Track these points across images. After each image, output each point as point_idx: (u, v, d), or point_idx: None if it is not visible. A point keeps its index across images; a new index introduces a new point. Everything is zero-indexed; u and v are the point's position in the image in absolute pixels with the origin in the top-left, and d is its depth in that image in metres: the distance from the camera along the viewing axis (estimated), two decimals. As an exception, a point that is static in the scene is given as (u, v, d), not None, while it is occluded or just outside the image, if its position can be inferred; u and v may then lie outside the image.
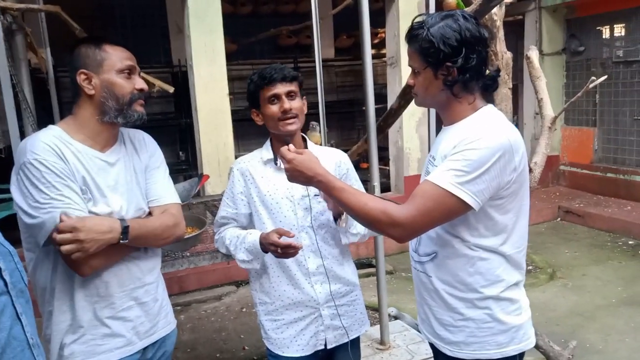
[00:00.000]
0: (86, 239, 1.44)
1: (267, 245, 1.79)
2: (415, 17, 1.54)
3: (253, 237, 1.85)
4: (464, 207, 1.40)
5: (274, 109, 1.86)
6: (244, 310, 4.46)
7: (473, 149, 1.39)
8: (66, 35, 3.39)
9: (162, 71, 6.49)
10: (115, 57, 1.61)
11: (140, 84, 1.65)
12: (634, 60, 6.62)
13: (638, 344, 3.54)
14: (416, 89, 1.56)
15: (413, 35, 1.49)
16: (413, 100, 1.66)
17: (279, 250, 1.75)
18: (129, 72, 1.63)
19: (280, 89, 1.85)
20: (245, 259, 1.89)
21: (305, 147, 1.97)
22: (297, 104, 1.88)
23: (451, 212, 1.42)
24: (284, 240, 1.75)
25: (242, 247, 1.88)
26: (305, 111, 1.95)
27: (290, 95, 1.87)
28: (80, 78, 1.59)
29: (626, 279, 4.70)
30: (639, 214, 6.12)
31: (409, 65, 1.56)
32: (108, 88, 1.59)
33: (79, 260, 1.47)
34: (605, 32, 7.12)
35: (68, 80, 1.66)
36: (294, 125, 1.88)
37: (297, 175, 1.55)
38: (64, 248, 1.44)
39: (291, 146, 1.60)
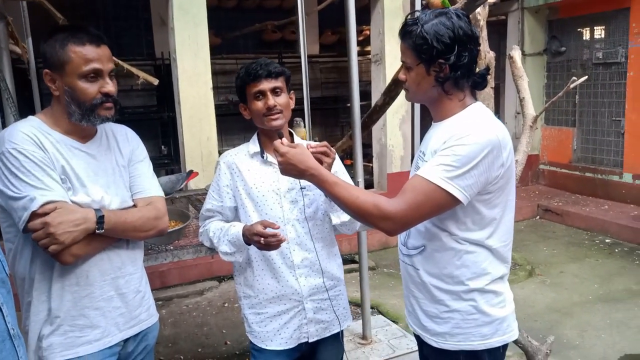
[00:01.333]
0: (58, 232, 1.44)
1: (250, 237, 1.79)
2: (409, 13, 1.55)
3: (236, 229, 1.85)
4: (453, 201, 1.43)
5: (259, 104, 1.87)
6: (226, 305, 4.45)
7: (462, 145, 1.41)
8: (48, 25, 3.34)
9: (144, 64, 6.41)
10: (79, 59, 1.51)
11: (107, 87, 1.56)
12: (613, 62, 6.75)
13: (613, 340, 3.63)
14: (408, 84, 1.58)
15: (407, 31, 1.51)
16: (400, 96, 1.68)
17: (262, 241, 1.75)
18: (94, 75, 1.54)
19: (265, 85, 1.86)
20: (227, 252, 1.89)
21: (292, 141, 1.98)
22: (282, 100, 1.89)
23: (440, 206, 1.45)
24: (269, 231, 1.75)
25: (225, 239, 1.88)
26: (292, 106, 1.96)
27: (275, 91, 1.88)
28: (46, 78, 1.56)
29: (603, 277, 4.80)
30: (615, 213, 6.25)
31: (402, 61, 1.58)
32: (69, 92, 1.53)
33: (58, 251, 1.46)
34: (586, 34, 7.24)
35: (47, 72, 1.60)
36: (278, 121, 1.89)
37: (290, 168, 1.57)
38: (40, 243, 1.45)
39: (284, 140, 1.61)
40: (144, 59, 6.75)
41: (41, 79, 1.68)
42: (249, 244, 1.84)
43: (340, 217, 1.94)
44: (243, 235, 1.82)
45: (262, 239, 1.75)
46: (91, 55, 1.53)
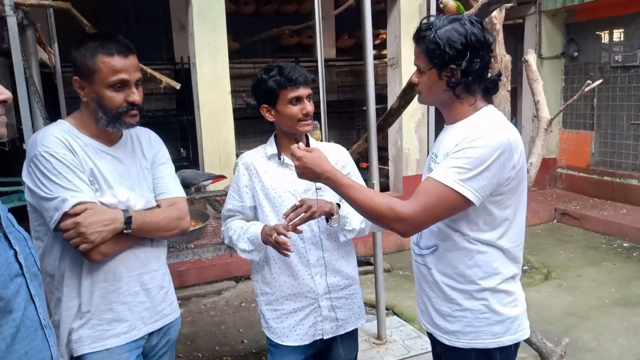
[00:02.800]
0: (89, 232, 1.52)
1: (265, 237, 1.86)
2: (424, 18, 1.60)
3: (256, 228, 1.92)
4: (466, 202, 1.47)
5: (295, 109, 1.92)
6: (243, 305, 4.51)
7: (474, 147, 1.45)
8: (74, 31, 3.44)
9: (164, 68, 6.54)
10: (107, 70, 1.57)
11: (133, 96, 1.62)
12: (631, 65, 6.69)
13: (630, 344, 3.61)
14: (420, 87, 1.62)
15: (420, 36, 1.55)
16: (415, 99, 1.72)
17: (273, 239, 1.82)
18: (121, 85, 1.60)
19: (303, 91, 1.92)
20: (246, 249, 1.95)
21: (307, 143, 2.04)
22: (312, 107, 1.97)
23: (453, 208, 1.49)
24: (281, 238, 1.81)
25: (245, 237, 1.95)
26: None
27: (308, 97, 1.95)
28: (75, 85, 1.64)
29: (620, 281, 4.76)
30: (634, 217, 6.19)
31: (415, 64, 1.62)
32: (97, 100, 1.60)
33: (88, 249, 1.54)
34: (604, 37, 7.19)
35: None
36: (310, 126, 1.97)
37: (306, 172, 1.62)
38: (71, 242, 1.53)
39: (301, 144, 1.66)
40: (164, 63, 6.88)
41: (67, 84, 1.76)
42: (266, 244, 1.90)
43: (346, 235, 2.00)
44: (261, 233, 1.88)
45: (274, 236, 1.81)
46: (119, 66, 1.59)
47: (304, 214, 1.82)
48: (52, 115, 3.55)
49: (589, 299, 4.40)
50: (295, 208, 1.84)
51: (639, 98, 6.65)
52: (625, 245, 5.75)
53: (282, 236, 1.81)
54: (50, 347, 1.20)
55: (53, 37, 3.53)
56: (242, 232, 1.96)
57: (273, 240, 1.83)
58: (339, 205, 1.94)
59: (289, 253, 1.84)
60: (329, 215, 1.92)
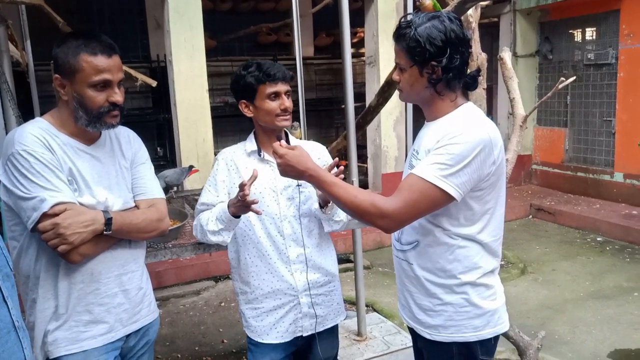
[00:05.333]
0: (68, 233, 1.49)
1: (233, 204, 1.82)
2: (403, 16, 1.61)
3: (223, 204, 1.90)
4: (448, 198, 1.49)
5: (274, 105, 1.93)
6: (223, 304, 4.49)
7: (456, 144, 1.47)
8: (47, 29, 3.37)
9: (140, 66, 6.45)
10: (90, 69, 1.55)
11: (115, 96, 1.60)
12: (603, 63, 6.84)
13: (604, 335, 3.70)
14: (402, 85, 1.64)
15: (400, 33, 1.56)
16: (393, 97, 1.73)
17: (242, 197, 1.77)
18: (103, 85, 1.58)
19: (281, 87, 1.94)
20: (215, 229, 1.91)
21: (287, 140, 2.04)
22: (291, 103, 1.98)
23: (435, 204, 1.50)
24: (247, 190, 1.78)
25: (213, 218, 1.92)
26: None
27: (287, 93, 1.97)
28: (55, 82, 1.60)
29: (594, 274, 4.87)
30: (607, 211, 6.33)
31: (396, 62, 1.63)
32: (78, 99, 1.57)
33: (67, 250, 1.51)
34: (577, 36, 7.33)
35: (47, 74, 1.65)
36: (288, 122, 1.97)
37: (289, 170, 1.61)
38: (50, 243, 1.50)
39: (283, 142, 1.66)
40: (140, 61, 6.80)
41: (40, 82, 1.72)
42: (236, 216, 1.87)
43: (332, 225, 2.02)
44: (228, 207, 1.85)
45: (240, 193, 1.77)
46: (102, 66, 1.57)
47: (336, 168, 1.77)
48: (25, 114, 3.48)
49: (564, 293, 4.49)
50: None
51: (610, 95, 6.80)
52: (598, 239, 5.88)
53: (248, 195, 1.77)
54: (23, 349, 1.18)
55: (25, 34, 3.45)
56: (210, 216, 1.94)
57: (240, 198, 1.78)
58: None
59: (260, 210, 1.82)
60: (326, 203, 1.94)
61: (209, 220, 1.93)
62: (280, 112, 1.93)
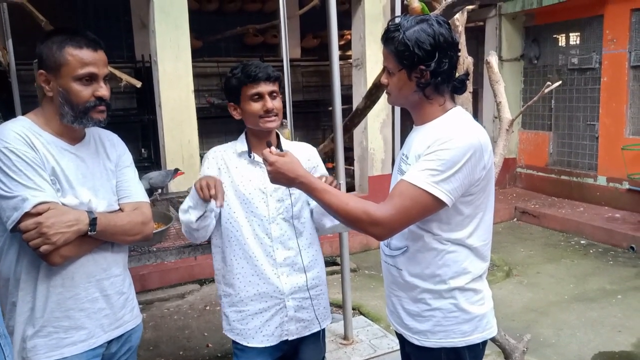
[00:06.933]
0: (51, 232, 1.45)
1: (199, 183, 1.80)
2: (391, 19, 1.59)
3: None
4: (439, 204, 1.48)
5: (257, 106, 1.90)
6: (208, 308, 4.44)
7: (446, 149, 1.46)
8: (30, 28, 3.31)
9: (125, 66, 6.38)
10: (76, 62, 1.53)
11: (101, 91, 1.58)
12: (587, 67, 6.92)
13: (588, 338, 3.73)
14: (390, 88, 1.62)
15: (389, 37, 1.55)
16: (380, 100, 1.72)
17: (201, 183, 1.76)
18: (89, 78, 1.56)
19: (264, 87, 1.90)
20: (184, 208, 1.87)
21: (278, 142, 2.02)
22: (278, 104, 1.94)
23: (427, 210, 1.49)
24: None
25: (188, 197, 1.87)
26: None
27: (272, 94, 1.92)
28: (40, 79, 1.57)
29: (578, 277, 4.91)
30: (590, 214, 6.40)
31: (384, 65, 1.61)
32: (63, 94, 1.55)
33: (49, 251, 1.47)
34: (562, 40, 7.42)
35: (29, 74, 1.62)
36: (274, 123, 1.94)
37: (279, 177, 1.59)
38: (31, 243, 1.45)
39: (273, 149, 1.63)
40: (124, 61, 6.71)
41: (22, 82, 1.68)
42: (206, 201, 1.81)
43: (333, 220, 1.98)
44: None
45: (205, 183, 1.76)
46: (88, 59, 1.55)
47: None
48: (7, 114, 3.40)
49: (548, 295, 4.52)
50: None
51: (594, 100, 6.88)
52: (582, 242, 5.94)
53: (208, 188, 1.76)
54: (5, 357, 1.15)
55: (7, 33, 3.38)
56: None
57: (199, 184, 1.76)
58: None
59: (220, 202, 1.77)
60: None
61: (185, 200, 1.89)
62: (263, 113, 1.90)
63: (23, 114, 1.69)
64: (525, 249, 5.80)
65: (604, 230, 5.89)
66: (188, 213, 1.86)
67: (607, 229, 5.87)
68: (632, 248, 5.53)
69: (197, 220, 1.86)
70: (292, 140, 3.59)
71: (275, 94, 1.94)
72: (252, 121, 1.94)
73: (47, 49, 1.54)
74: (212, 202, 1.79)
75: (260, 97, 1.90)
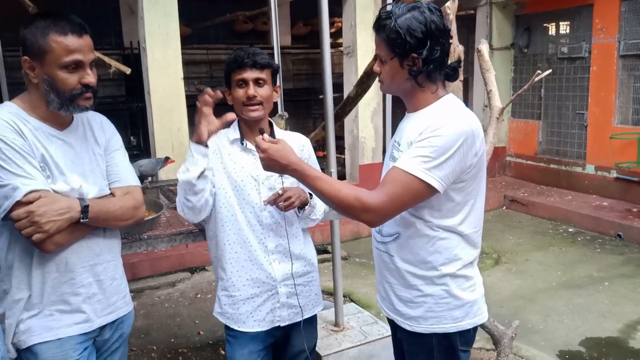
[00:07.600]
0: (43, 221, 1.44)
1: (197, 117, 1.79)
2: (383, 7, 1.58)
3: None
4: (431, 191, 1.48)
5: (240, 92, 1.90)
6: (199, 296, 4.45)
7: (438, 136, 1.46)
8: (16, 14, 3.23)
9: (113, 53, 6.31)
10: (61, 50, 1.49)
11: (88, 78, 1.55)
12: (577, 57, 6.95)
13: (575, 324, 3.78)
14: (382, 76, 1.62)
15: (381, 25, 1.54)
16: (371, 88, 1.71)
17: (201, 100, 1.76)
18: (75, 66, 1.52)
19: (249, 74, 1.88)
20: (183, 169, 1.83)
21: (272, 131, 2.01)
22: (264, 92, 1.91)
23: (419, 196, 1.50)
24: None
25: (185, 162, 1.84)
26: (276, 99, 1.98)
27: (258, 82, 1.90)
28: (25, 65, 1.54)
29: (566, 264, 4.97)
30: (578, 203, 6.47)
31: (376, 53, 1.61)
32: (49, 81, 1.52)
33: (42, 239, 1.46)
34: (552, 29, 7.43)
35: (16, 60, 1.58)
36: (256, 112, 1.91)
37: (272, 164, 1.58)
38: (24, 232, 1.45)
39: (266, 136, 1.62)
40: (113, 48, 6.65)
41: (8, 68, 1.65)
42: (201, 143, 1.80)
43: (307, 223, 2.03)
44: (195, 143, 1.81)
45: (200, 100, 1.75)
46: (73, 46, 1.51)
47: (282, 202, 1.83)
48: (-6, 101, 3.36)
49: (536, 282, 4.58)
50: (277, 196, 1.83)
51: (583, 89, 6.92)
52: (570, 230, 6.00)
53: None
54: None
55: (-8, 18, 3.33)
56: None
57: (202, 103, 1.75)
58: (311, 195, 1.93)
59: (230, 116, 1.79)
60: (303, 205, 1.92)
61: (182, 165, 1.85)
62: (246, 100, 1.88)
63: (10, 99, 1.67)
64: (514, 237, 5.86)
65: (591, 218, 5.95)
66: (188, 171, 1.82)
67: (594, 217, 5.93)
68: (620, 236, 5.60)
69: (198, 177, 1.81)
70: (285, 129, 3.59)
71: (262, 82, 1.91)
72: (237, 108, 1.93)
73: (31, 35, 1.50)
74: (210, 158, 1.81)
75: (245, 83, 1.89)
